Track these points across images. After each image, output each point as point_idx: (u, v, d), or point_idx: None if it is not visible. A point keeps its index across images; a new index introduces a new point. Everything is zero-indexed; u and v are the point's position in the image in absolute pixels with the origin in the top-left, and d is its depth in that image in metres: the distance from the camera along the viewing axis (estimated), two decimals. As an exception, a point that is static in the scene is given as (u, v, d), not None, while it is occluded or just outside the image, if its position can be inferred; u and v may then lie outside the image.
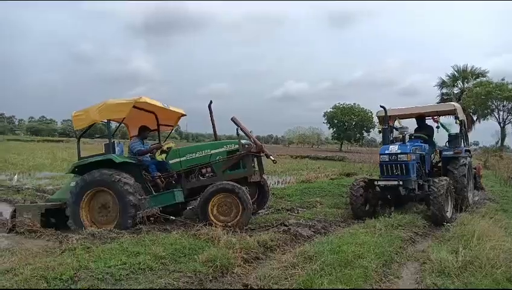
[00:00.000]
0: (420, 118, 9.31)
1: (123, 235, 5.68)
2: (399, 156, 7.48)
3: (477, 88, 33.74)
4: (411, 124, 9.52)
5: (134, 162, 7.06)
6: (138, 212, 6.29)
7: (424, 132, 8.99)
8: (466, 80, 37.34)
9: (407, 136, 8.22)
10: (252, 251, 5.02)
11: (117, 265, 4.23)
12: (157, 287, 3.74)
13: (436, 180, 7.52)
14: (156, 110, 7.90)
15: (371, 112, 55.42)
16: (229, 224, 6.28)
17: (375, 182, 7.78)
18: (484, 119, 34.98)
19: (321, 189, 11.18)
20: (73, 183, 6.81)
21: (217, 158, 7.03)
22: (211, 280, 4.19)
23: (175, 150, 7.33)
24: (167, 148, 7.38)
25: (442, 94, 38.13)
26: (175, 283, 3.88)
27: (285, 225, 6.56)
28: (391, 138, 8.72)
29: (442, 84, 38.19)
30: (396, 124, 9.63)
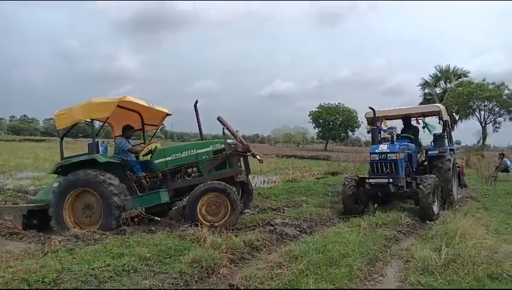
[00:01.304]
0: (406, 118, 9.68)
1: (107, 236, 5.61)
2: (388, 155, 7.82)
3: (459, 88, 34.35)
4: (397, 125, 9.85)
5: (118, 162, 6.97)
6: (122, 213, 6.22)
7: (410, 132, 9.39)
8: (448, 80, 37.95)
9: (394, 136, 8.45)
10: (238, 251, 5.01)
11: (101, 267, 4.17)
12: (143, 288, 3.70)
13: (424, 178, 7.82)
14: (140, 110, 7.81)
15: (356, 112, 56.02)
16: (216, 224, 6.25)
17: (366, 180, 8.04)
18: (466, 119, 35.61)
19: (307, 188, 11.23)
20: (56, 184, 6.67)
21: (203, 158, 6.96)
22: (196, 281, 4.16)
23: (160, 150, 7.25)
24: (152, 147, 7.28)
25: (425, 94, 38.63)
26: (160, 284, 3.84)
27: (271, 225, 6.57)
28: (379, 138, 9.02)
29: (425, 84, 38.71)
30: (383, 125, 9.85)
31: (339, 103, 57.84)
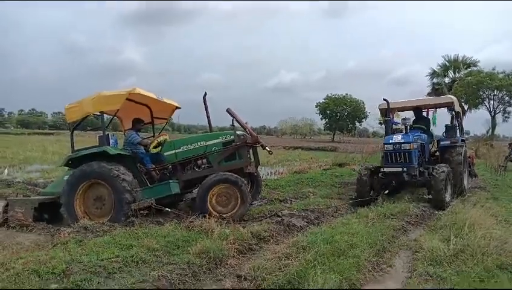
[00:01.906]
0: (417, 110, 9.84)
1: (116, 228, 5.65)
2: (402, 145, 8.08)
3: (469, 78, 33.91)
4: (409, 116, 10.01)
5: (129, 154, 6.99)
6: (132, 205, 6.24)
7: (421, 123, 9.54)
8: (457, 70, 37.48)
9: (408, 127, 8.79)
10: (245, 242, 5.03)
11: (110, 258, 4.20)
12: (151, 280, 3.73)
13: (437, 167, 7.99)
14: (149, 103, 7.81)
15: (363, 102, 55.59)
16: (225, 215, 6.29)
17: (381, 169, 8.36)
18: (475, 109, 35.22)
19: (314, 179, 11.21)
20: (66, 177, 6.73)
21: (213, 149, 6.98)
22: (204, 272, 4.19)
23: (170, 142, 7.25)
24: (161, 140, 7.28)
25: (434, 84, 38.22)
26: (168, 274, 3.87)
27: (279, 216, 6.57)
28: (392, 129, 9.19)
29: (433, 74, 38.27)
30: (395, 116, 10.21)
31: (346, 94, 57.50)
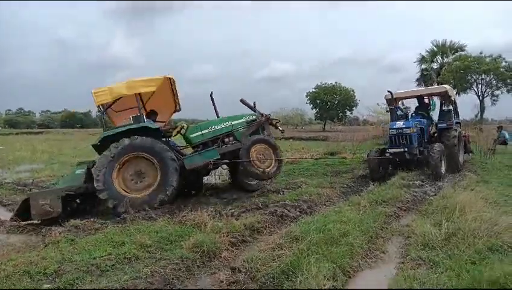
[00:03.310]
0: (420, 97, 11.47)
1: (107, 225, 5.63)
2: (404, 129, 9.77)
3: (456, 62, 34.07)
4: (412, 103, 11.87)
5: (162, 133, 7.51)
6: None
7: (423, 109, 11.18)
8: (445, 55, 37.63)
9: (409, 114, 10.82)
10: (238, 235, 5.02)
11: (102, 256, 4.18)
12: (144, 276, 3.71)
13: (434, 146, 9.59)
14: (158, 96, 8.19)
15: (353, 91, 55.62)
16: (257, 170, 7.41)
17: (387, 150, 10.02)
18: (464, 93, 35.44)
19: (306, 169, 11.26)
20: (78, 171, 6.98)
21: (239, 128, 7.86)
22: (198, 266, 4.17)
23: (196, 125, 7.98)
24: (181, 127, 7.79)
25: (422, 70, 38.38)
26: (162, 270, 3.85)
27: (271, 207, 6.57)
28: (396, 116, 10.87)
29: (422, 60, 38.37)
30: (400, 104, 11.63)
31: (336, 83, 57.44)
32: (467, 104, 34.94)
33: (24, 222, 6.33)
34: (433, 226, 4.94)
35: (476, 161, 12.92)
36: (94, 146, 7.33)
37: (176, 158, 6.97)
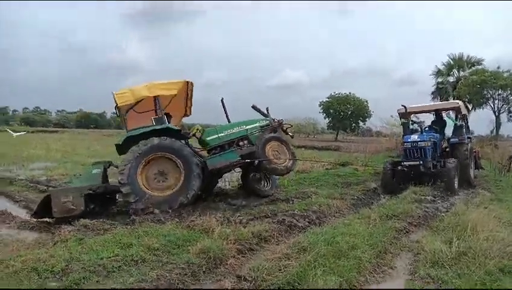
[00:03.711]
0: (437, 112, 11.56)
1: (116, 226, 5.66)
2: (419, 143, 9.89)
3: (473, 76, 33.61)
4: (424, 118, 12.12)
5: (183, 133, 7.76)
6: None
7: (439, 124, 11.32)
8: (461, 69, 37.13)
9: (423, 128, 10.81)
10: (246, 242, 4.99)
11: (109, 257, 4.21)
12: (150, 280, 3.71)
13: (448, 160, 9.84)
14: (173, 101, 8.35)
15: (367, 102, 55.26)
16: (273, 166, 7.71)
17: (402, 163, 10.08)
18: (479, 108, 34.91)
19: (317, 179, 11.17)
20: (95, 171, 7.17)
21: (254, 131, 8.15)
22: (204, 272, 4.16)
23: (212, 128, 8.18)
24: (198, 130, 8.01)
25: (438, 83, 37.94)
26: (167, 274, 3.85)
27: (280, 216, 6.53)
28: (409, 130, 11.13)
29: (438, 73, 37.92)
30: (414, 118, 11.83)
31: (350, 93, 57.19)
32: (482, 120, 34.38)
33: (35, 219, 6.42)
34: (443, 243, 4.85)
35: (490, 178, 12.69)
36: (117, 145, 7.51)
37: (199, 163, 7.19)
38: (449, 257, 4.39)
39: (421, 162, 9.70)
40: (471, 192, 9.88)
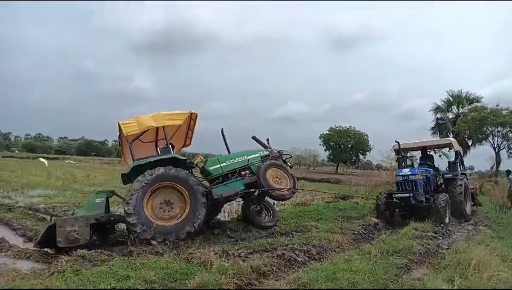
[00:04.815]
0: (423, 149, 12.13)
1: (113, 257, 5.59)
2: (410, 176, 10.30)
3: (473, 113, 34.01)
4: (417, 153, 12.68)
5: (188, 164, 7.77)
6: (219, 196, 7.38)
7: (426, 159, 11.80)
8: (461, 105, 37.69)
9: (415, 163, 11.56)
10: (245, 277, 4.88)
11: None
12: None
13: (439, 196, 10.07)
14: (177, 132, 8.55)
15: (367, 135, 55.57)
16: (277, 193, 7.90)
17: (393, 195, 10.55)
18: (479, 144, 35.11)
19: (317, 212, 11.08)
20: (98, 200, 7.11)
21: (254, 161, 8.29)
22: (201, 307, 4.08)
23: (214, 158, 8.32)
24: (201, 160, 8.14)
25: (437, 119, 38.36)
26: (165, 309, 3.78)
27: (279, 250, 6.45)
28: (404, 164, 11.54)
29: (437, 109, 38.46)
30: (409, 154, 12.53)
31: (350, 126, 57.63)
32: (481, 156, 34.48)
33: (38, 249, 6.36)
34: (445, 282, 4.77)
35: (491, 215, 12.59)
36: (123, 175, 7.54)
37: (204, 193, 7.22)
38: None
39: (411, 194, 10.02)
40: (472, 229, 9.80)
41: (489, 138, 34.64)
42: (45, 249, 6.51)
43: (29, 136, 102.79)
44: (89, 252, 5.66)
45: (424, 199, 10.13)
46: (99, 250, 5.93)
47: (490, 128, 34.06)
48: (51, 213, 8.97)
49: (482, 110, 33.68)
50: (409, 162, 11.69)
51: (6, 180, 18.64)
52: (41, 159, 29.54)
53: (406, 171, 10.53)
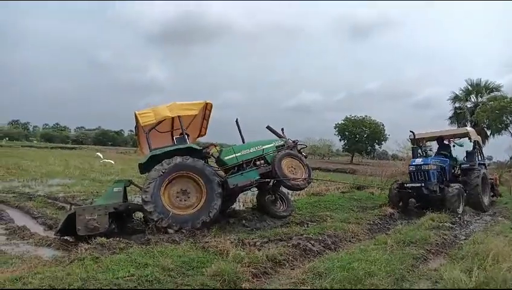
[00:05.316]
0: (439, 139, 11.97)
1: (132, 245, 5.69)
2: (422, 166, 10.29)
3: (492, 102, 33.21)
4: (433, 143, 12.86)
5: (204, 154, 7.87)
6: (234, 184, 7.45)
7: (443, 150, 11.70)
8: (480, 94, 36.83)
9: (430, 153, 11.66)
10: (260, 266, 4.93)
11: (125, 277, 4.23)
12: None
13: (451, 185, 10.04)
14: (192, 122, 8.65)
15: (383, 125, 54.90)
16: (293, 182, 7.94)
17: (405, 185, 10.52)
18: (498, 134, 34.33)
19: (332, 202, 11.04)
20: (116, 189, 7.27)
21: (269, 151, 8.31)
22: (218, 295, 4.13)
23: (230, 148, 8.36)
24: (215, 150, 8.26)
25: (455, 108, 37.60)
26: (182, 296, 3.84)
27: (294, 239, 6.47)
28: (419, 154, 11.42)
29: (455, 98, 37.66)
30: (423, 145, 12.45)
31: (366, 116, 57.01)
32: (501, 146, 33.71)
33: (59, 237, 6.52)
34: (463, 272, 4.71)
35: (510, 205, 12.36)
36: (140, 165, 7.68)
37: (220, 182, 7.30)
38: (469, 287, 4.26)
39: (423, 184, 9.98)
40: (491, 219, 9.65)
41: (508, 127, 33.82)
42: (65, 237, 6.68)
43: (47, 126, 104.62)
44: (108, 240, 5.78)
45: (437, 189, 10.01)
46: (117, 238, 6.05)
47: (510, 118, 33.23)
48: (70, 202, 9.14)
49: (502, 100, 32.84)
50: (427, 152, 11.59)
51: (26, 169, 19.07)
52: (98, 154, 30.05)
53: (418, 160, 10.54)
